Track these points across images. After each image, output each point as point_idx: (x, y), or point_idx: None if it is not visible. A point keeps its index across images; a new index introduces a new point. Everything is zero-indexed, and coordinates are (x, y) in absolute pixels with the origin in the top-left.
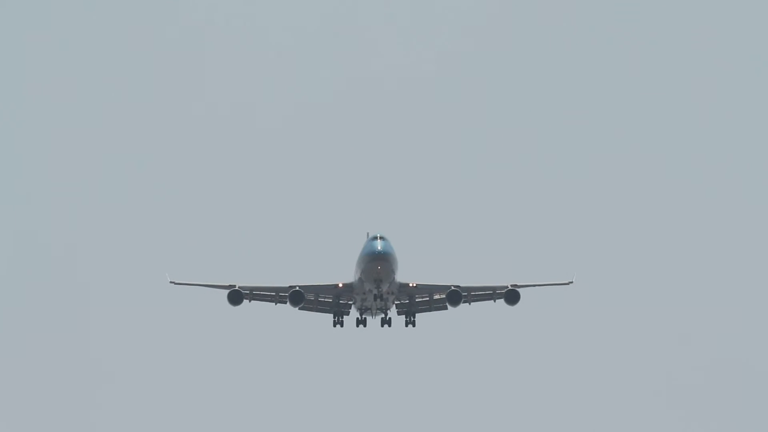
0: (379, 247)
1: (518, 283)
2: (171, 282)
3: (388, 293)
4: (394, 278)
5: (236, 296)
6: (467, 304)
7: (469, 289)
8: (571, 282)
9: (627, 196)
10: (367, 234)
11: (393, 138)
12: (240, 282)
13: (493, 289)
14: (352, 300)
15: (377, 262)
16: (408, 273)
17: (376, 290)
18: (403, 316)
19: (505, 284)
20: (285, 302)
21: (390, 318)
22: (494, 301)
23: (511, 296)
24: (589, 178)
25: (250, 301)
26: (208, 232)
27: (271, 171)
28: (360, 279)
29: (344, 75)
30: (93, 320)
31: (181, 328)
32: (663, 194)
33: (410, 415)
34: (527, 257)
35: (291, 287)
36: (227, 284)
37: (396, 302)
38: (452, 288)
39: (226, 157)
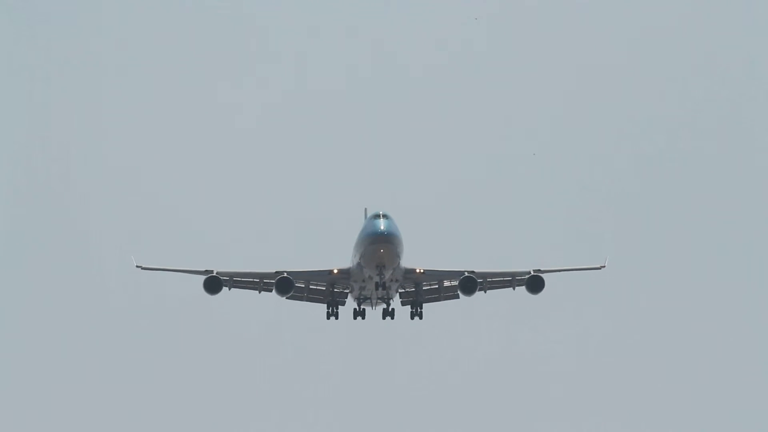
0: (381, 227)
1: (542, 269)
2: (138, 267)
3: (391, 280)
4: (398, 263)
5: (214, 283)
6: (482, 292)
7: (484, 275)
8: (603, 266)
9: (657, 178)
10: (365, 210)
11: (399, 114)
12: (219, 267)
13: (513, 275)
14: (348, 288)
15: (379, 245)
16: (414, 257)
17: (377, 277)
18: (408, 307)
19: (527, 269)
20: (271, 290)
21: (393, 309)
22: (514, 288)
23: (534, 283)
24: (612, 161)
25: (230, 289)
26: (184, 215)
27: (260, 149)
28: (359, 264)
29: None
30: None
31: (148, 320)
32: (697, 177)
33: (413, 421)
34: (548, 242)
35: (278, 273)
36: (203, 269)
37: (400, 290)
38: (466, 274)
39: (214, 139)
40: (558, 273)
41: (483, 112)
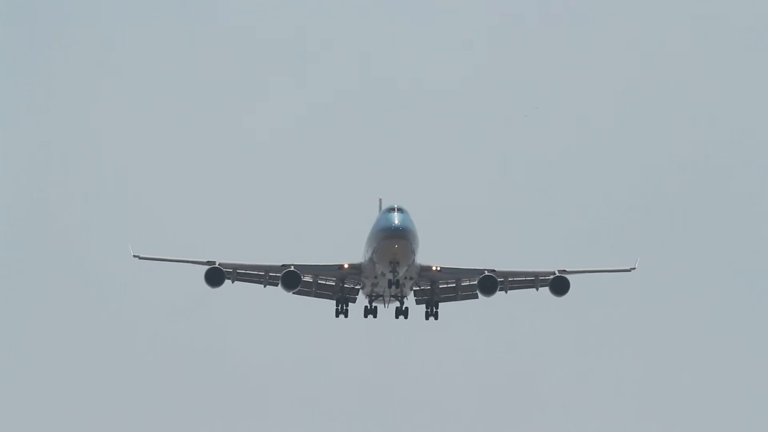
0: (396, 221)
1: (567, 269)
2: (135, 256)
3: (405, 278)
4: (413, 260)
5: (216, 275)
6: (503, 292)
7: (506, 275)
8: (633, 268)
9: (687, 176)
10: (380, 201)
11: (419, 109)
12: (222, 258)
13: (537, 275)
14: (359, 284)
15: (394, 240)
16: (431, 255)
17: (390, 274)
18: (423, 306)
19: (551, 270)
20: (276, 284)
21: (407, 308)
22: (537, 289)
23: (559, 284)
24: (643, 156)
25: (233, 282)
26: (187, 205)
27: (268, 140)
28: (371, 260)
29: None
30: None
31: (145, 314)
32: (731, 174)
33: (425, 428)
34: (573, 243)
35: (284, 266)
36: (205, 260)
37: (415, 288)
38: (486, 272)
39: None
40: (584, 275)
41: (508, 108)
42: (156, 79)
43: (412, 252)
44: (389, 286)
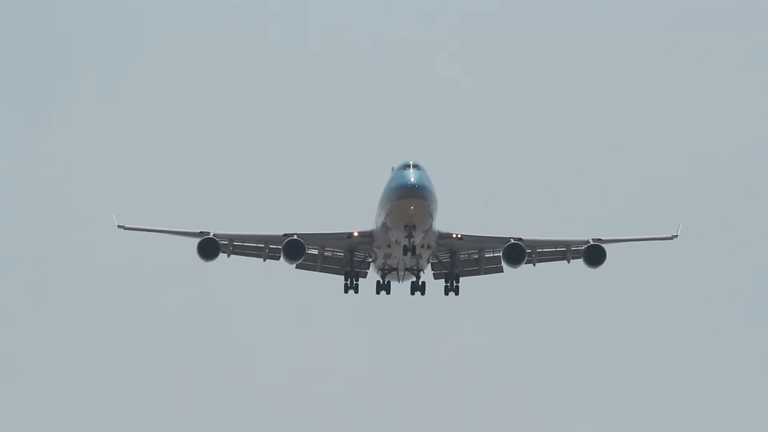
0: (412, 179)
1: (602, 238)
2: (119, 227)
3: (422, 246)
4: (431, 224)
5: (210, 246)
6: (531, 265)
7: (534, 244)
8: (676, 236)
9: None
10: (392, 170)
11: (438, 65)
12: (217, 229)
13: (568, 244)
14: (371, 256)
15: (410, 200)
16: (450, 222)
17: (406, 240)
18: (442, 281)
19: (585, 238)
20: (278, 258)
21: (424, 282)
22: (568, 261)
23: (593, 253)
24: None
25: (229, 256)
26: (179, 170)
27: (269, 99)
28: (384, 225)
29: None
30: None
31: (133, 289)
32: None
33: (443, 418)
34: (608, 213)
35: (286, 235)
36: (198, 231)
37: (432, 261)
38: (512, 241)
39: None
40: (621, 244)
41: (535, 70)
42: (138, 38)
43: (430, 215)
44: (404, 253)
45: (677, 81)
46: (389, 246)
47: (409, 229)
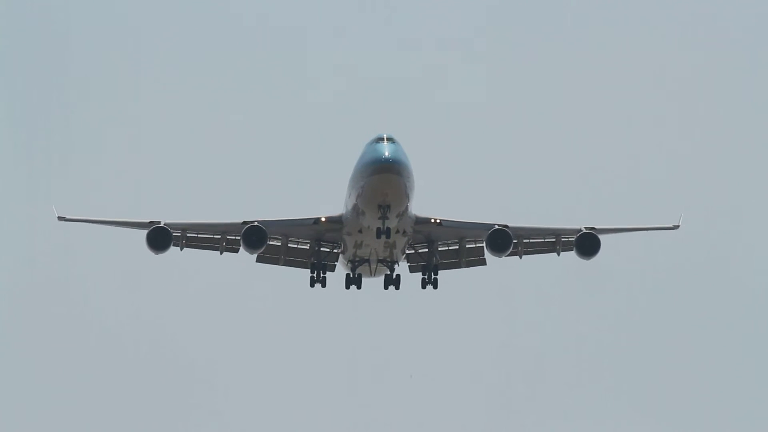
0: (386, 152)
1: (596, 226)
2: (60, 218)
3: (397, 232)
4: (407, 205)
5: (161, 236)
6: (517, 257)
7: (521, 232)
8: (677, 226)
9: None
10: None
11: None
12: (168, 218)
13: (558, 233)
14: (340, 245)
15: (384, 175)
16: (429, 208)
17: (380, 222)
18: (419, 274)
19: (577, 227)
20: (236, 250)
21: (398, 275)
22: (558, 254)
23: (587, 243)
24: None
25: (182, 249)
26: (125, 155)
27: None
28: (355, 207)
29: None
30: None
31: (73, 286)
32: None
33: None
34: (602, 200)
35: (246, 223)
36: (147, 221)
37: (408, 251)
38: (496, 227)
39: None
40: (617, 234)
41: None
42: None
43: (406, 194)
44: (378, 237)
45: (675, 74)
46: (360, 232)
47: (384, 209)
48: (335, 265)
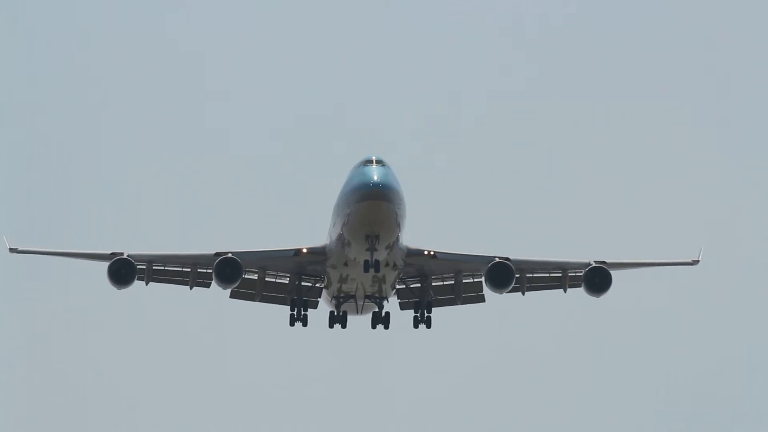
0: (375, 176)
1: (607, 260)
2: (11, 250)
3: (386, 265)
4: (397, 234)
5: (124, 270)
6: (520, 293)
7: (524, 266)
8: (697, 261)
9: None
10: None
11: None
12: (132, 249)
13: (565, 267)
14: (323, 280)
15: (373, 201)
16: (422, 238)
17: (368, 254)
18: (411, 311)
19: (586, 260)
20: (208, 284)
21: (387, 313)
22: (565, 290)
23: (596, 278)
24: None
25: (147, 284)
26: (86, 182)
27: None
28: (340, 237)
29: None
30: None
31: (27, 321)
32: None
33: None
34: (612, 229)
35: (218, 254)
36: (109, 252)
37: (399, 286)
38: (496, 260)
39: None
40: (630, 270)
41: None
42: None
43: (397, 223)
44: (366, 271)
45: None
46: (346, 264)
47: (372, 240)
48: (318, 301)
